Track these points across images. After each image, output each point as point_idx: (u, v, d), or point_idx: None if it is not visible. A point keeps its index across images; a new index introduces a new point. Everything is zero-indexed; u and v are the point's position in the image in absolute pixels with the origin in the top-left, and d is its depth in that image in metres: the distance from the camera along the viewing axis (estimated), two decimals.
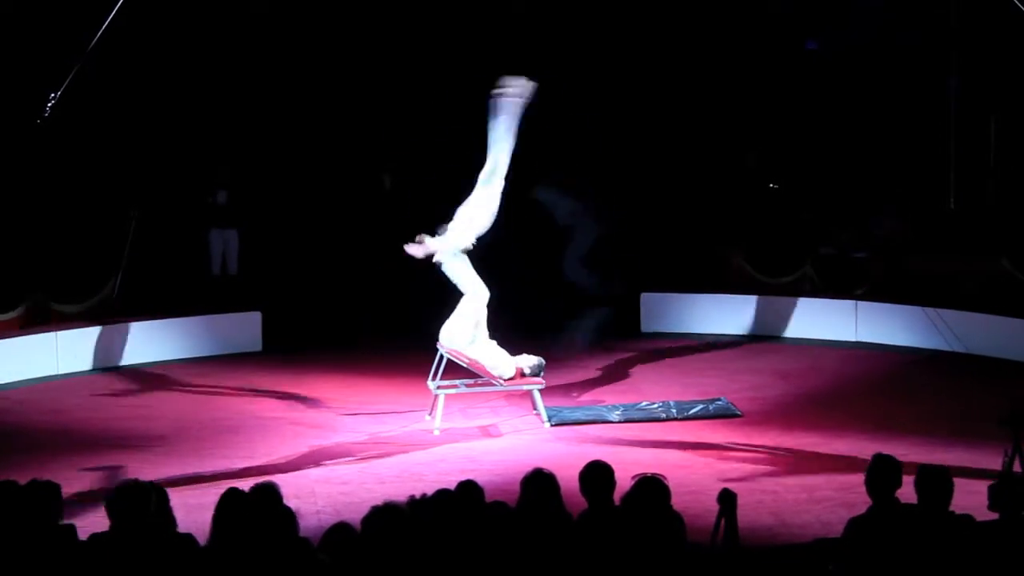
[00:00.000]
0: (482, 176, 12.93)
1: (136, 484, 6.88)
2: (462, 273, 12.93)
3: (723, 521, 7.01)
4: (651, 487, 6.92)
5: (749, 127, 19.08)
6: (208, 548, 6.87)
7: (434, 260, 12.91)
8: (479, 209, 12.87)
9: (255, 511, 6.69)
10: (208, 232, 17.68)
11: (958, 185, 18.63)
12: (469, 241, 12.91)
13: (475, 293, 12.89)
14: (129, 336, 15.94)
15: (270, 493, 6.75)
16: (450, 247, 12.88)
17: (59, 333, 15.53)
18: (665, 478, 7.05)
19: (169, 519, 7.20)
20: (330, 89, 18.83)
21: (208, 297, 17.10)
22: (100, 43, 13.57)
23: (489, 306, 12.96)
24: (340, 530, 6.44)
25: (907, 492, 7.15)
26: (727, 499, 6.99)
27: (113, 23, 13.39)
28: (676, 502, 7.06)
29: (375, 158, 19.04)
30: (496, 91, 12.83)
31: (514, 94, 12.85)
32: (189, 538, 6.93)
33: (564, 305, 15.88)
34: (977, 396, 13.49)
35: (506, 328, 13.41)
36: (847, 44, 18.87)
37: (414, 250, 12.93)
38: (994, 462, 9.99)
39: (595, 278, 15.40)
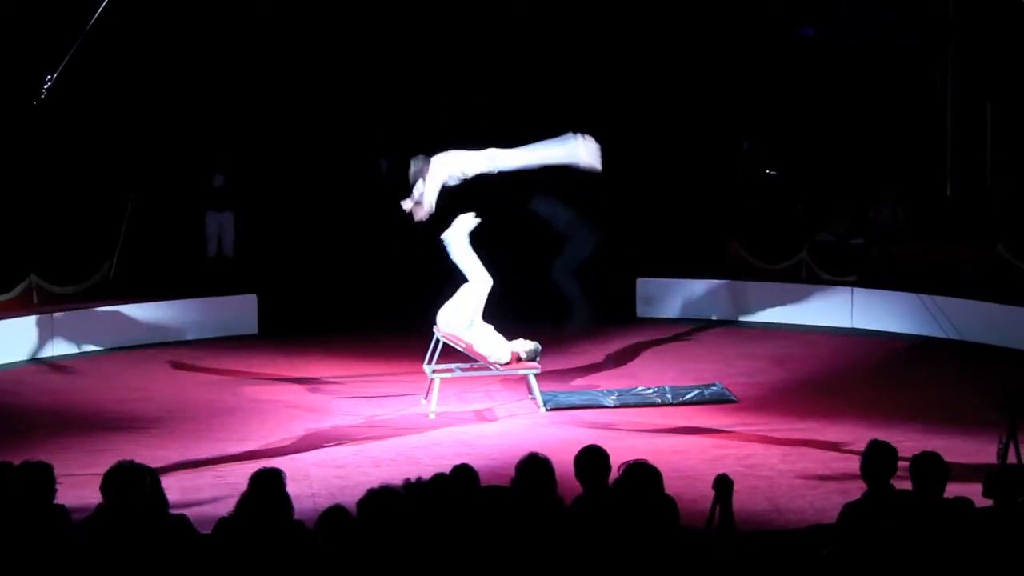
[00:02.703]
0: (493, 149, 12.84)
1: (131, 465, 6.89)
2: (467, 258, 12.90)
3: (718, 507, 7.02)
4: (642, 472, 6.91)
5: (746, 115, 19.08)
6: (202, 533, 6.89)
7: (443, 239, 12.89)
8: (458, 162, 12.80)
9: (256, 497, 6.72)
10: (204, 214, 17.68)
11: (955, 173, 18.63)
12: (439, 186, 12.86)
13: (479, 280, 12.86)
14: (125, 318, 15.92)
15: (273, 480, 6.76)
16: (461, 230, 12.87)
17: (55, 315, 15.52)
18: (648, 463, 7.02)
19: (161, 500, 7.20)
20: (328, 73, 18.81)
21: (204, 280, 17.07)
22: (97, 25, 13.54)
23: (489, 292, 12.94)
24: (336, 513, 6.44)
25: (901, 478, 7.17)
26: (723, 485, 6.99)
27: (110, 5, 13.36)
28: (670, 487, 7.05)
29: (372, 142, 19.02)
30: (579, 133, 12.79)
31: (580, 146, 12.78)
32: (183, 519, 6.93)
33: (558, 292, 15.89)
34: (972, 383, 13.49)
35: (502, 313, 13.40)
36: (846, 41, 18.85)
37: (409, 205, 12.90)
38: (989, 449, 10.00)
39: (580, 289, 15.50)
